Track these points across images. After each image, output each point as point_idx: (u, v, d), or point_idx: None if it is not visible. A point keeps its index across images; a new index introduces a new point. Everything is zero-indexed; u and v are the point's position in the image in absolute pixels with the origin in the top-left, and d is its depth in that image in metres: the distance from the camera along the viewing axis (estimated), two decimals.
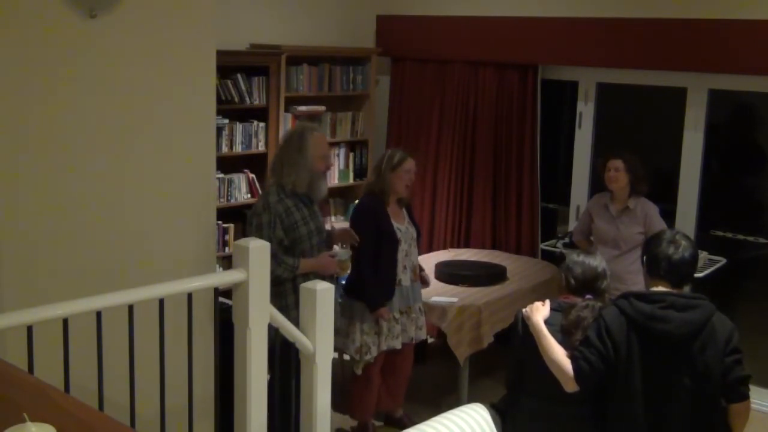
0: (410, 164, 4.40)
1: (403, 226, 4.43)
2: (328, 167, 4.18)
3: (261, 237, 3.81)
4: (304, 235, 3.97)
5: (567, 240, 5.32)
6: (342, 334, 4.36)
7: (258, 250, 2.85)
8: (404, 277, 4.42)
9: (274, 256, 3.82)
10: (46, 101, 3.18)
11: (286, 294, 3.91)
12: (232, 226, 5.42)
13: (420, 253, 4.74)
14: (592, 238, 4.90)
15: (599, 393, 3.09)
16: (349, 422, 4.76)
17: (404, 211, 4.52)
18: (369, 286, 4.33)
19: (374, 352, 4.38)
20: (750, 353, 3.20)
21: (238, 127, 5.36)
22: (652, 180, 4.74)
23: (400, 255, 4.38)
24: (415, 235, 4.50)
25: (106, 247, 3.41)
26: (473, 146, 5.92)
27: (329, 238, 4.27)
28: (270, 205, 3.92)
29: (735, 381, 2.97)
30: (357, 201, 4.78)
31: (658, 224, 4.58)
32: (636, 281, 4.40)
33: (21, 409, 1.57)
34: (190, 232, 3.71)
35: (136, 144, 3.47)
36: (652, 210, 4.64)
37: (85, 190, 3.33)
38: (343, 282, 4.64)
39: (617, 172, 4.64)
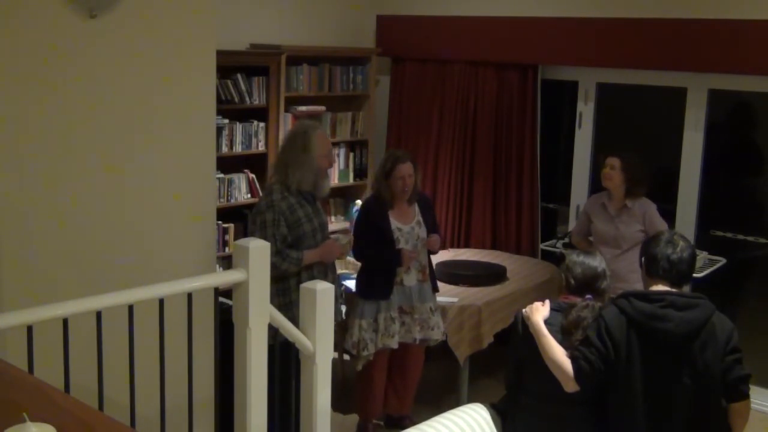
0: (403, 170, 4.34)
1: (407, 227, 4.42)
2: (330, 164, 4.23)
3: (265, 235, 3.84)
4: (308, 232, 3.99)
5: (567, 240, 5.32)
6: (339, 331, 4.36)
7: (258, 250, 2.85)
8: (407, 278, 4.41)
9: (278, 253, 3.86)
10: (46, 101, 3.18)
11: (290, 291, 3.92)
12: (232, 226, 5.42)
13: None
14: (591, 238, 4.89)
15: (599, 393, 3.09)
16: (349, 422, 4.76)
17: (416, 209, 4.49)
18: (374, 267, 4.38)
19: (371, 348, 4.38)
20: (750, 353, 3.21)
21: (238, 127, 5.36)
22: (652, 180, 4.72)
23: None
24: (423, 235, 4.46)
25: (106, 247, 3.41)
26: (473, 146, 5.92)
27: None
28: (273, 203, 3.93)
29: (735, 380, 2.97)
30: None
31: (658, 222, 4.58)
32: (639, 279, 4.39)
33: (21, 409, 1.57)
34: (190, 231, 3.71)
35: (136, 144, 3.47)
36: (651, 208, 4.63)
37: (85, 190, 3.34)
38: (344, 282, 4.66)
39: (612, 170, 4.62)
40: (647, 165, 4.72)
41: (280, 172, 4.03)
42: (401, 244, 4.37)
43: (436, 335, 4.51)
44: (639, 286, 4.14)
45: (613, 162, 4.63)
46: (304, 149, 3.99)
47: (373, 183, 4.59)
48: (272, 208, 3.92)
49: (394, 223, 4.38)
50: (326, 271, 4.11)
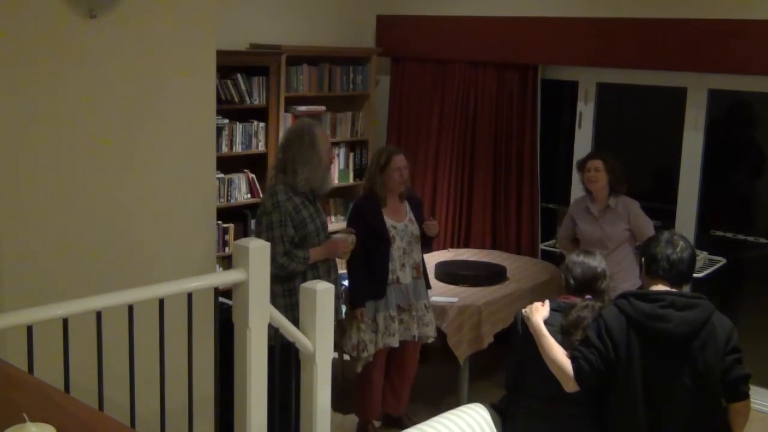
0: (398, 161, 4.37)
1: (401, 224, 4.43)
2: (332, 161, 4.30)
3: (272, 236, 3.85)
4: (312, 232, 4.00)
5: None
6: (339, 331, 4.36)
7: (258, 250, 2.85)
8: (402, 275, 4.42)
9: (286, 254, 3.87)
10: (46, 101, 3.18)
11: (295, 292, 3.90)
12: (232, 226, 5.42)
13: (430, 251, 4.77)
14: (578, 237, 4.90)
15: (599, 393, 3.09)
16: (349, 422, 4.76)
17: (407, 206, 4.51)
18: (353, 283, 4.38)
19: (371, 349, 4.39)
20: (750, 353, 3.21)
21: (238, 127, 5.36)
22: (652, 180, 4.75)
23: (398, 253, 4.39)
24: (416, 231, 4.49)
25: (106, 247, 3.41)
26: (473, 146, 5.92)
27: None
28: (279, 204, 3.93)
29: (735, 380, 2.97)
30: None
31: (642, 219, 4.64)
32: (626, 278, 4.42)
33: (21, 409, 1.57)
34: (190, 232, 3.71)
35: (136, 144, 3.47)
36: (634, 205, 4.68)
37: (85, 190, 3.34)
38: (344, 281, 4.66)
39: (597, 172, 4.68)
40: (648, 165, 4.75)
41: (285, 172, 4.02)
42: (396, 242, 4.39)
43: (430, 332, 4.54)
44: (627, 284, 4.17)
45: (597, 164, 4.70)
46: (312, 146, 4.00)
47: (365, 182, 4.57)
48: (278, 209, 3.93)
49: (389, 221, 4.39)
50: (329, 270, 4.12)
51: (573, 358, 3.04)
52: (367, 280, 4.34)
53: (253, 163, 5.51)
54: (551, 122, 5.82)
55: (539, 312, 3.20)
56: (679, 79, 5.14)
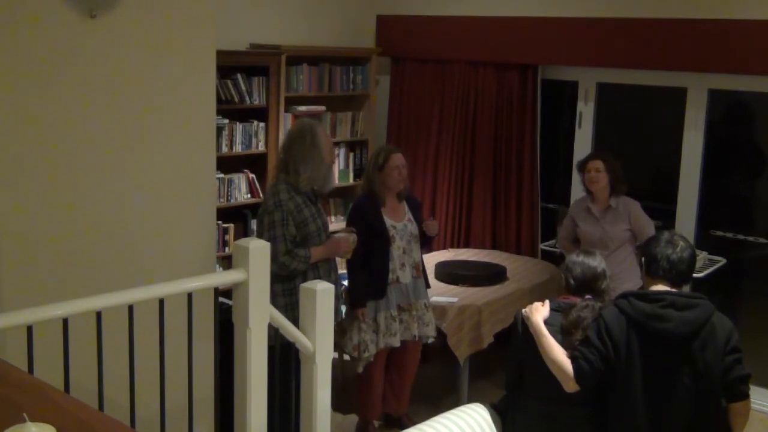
0: (396, 160, 4.38)
1: (400, 224, 4.43)
2: (333, 160, 4.31)
3: (274, 234, 3.86)
4: (313, 232, 4.00)
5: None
6: (339, 332, 4.37)
7: (258, 250, 2.85)
8: (402, 275, 4.42)
9: (288, 252, 3.87)
10: (46, 101, 3.18)
11: (296, 291, 3.90)
12: (232, 226, 5.42)
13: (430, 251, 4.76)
14: (579, 237, 4.91)
15: (599, 393, 3.09)
16: (349, 422, 4.76)
17: (405, 206, 4.52)
18: (353, 283, 4.38)
19: (372, 349, 4.39)
20: (750, 353, 3.21)
21: (238, 127, 5.36)
22: (652, 180, 4.74)
23: (397, 252, 4.39)
24: (416, 231, 4.49)
25: (106, 247, 3.41)
26: (473, 146, 5.93)
27: None
28: (282, 203, 3.93)
29: (735, 380, 2.97)
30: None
31: (643, 219, 4.64)
32: (626, 278, 4.42)
33: (21, 409, 1.57)
34: (190, 232, 3.71)
35: (136, 144, 3.47)
36: (635, 206, 4.69)
37: (85, 190, 3.34)
38: (344, 282, 4.66)
39: (597, 173, 4.69)
40: (648, 165, 4.75)
41: (288, 172, 4.02)
42: (396, 242, 4.39)
43: (430, 331, 4.54)
44: (628, 285, 4.17)
45: (597, 165, 4.71)
46: (314, 145, 4.00)
47: (363, 181, 4.58)
48: (280, 208, 3.93)
49: (388, 221, 4.39)
50: (330, 271, 4.12)
51: (573, 358, 3.04)
52: (367, 280, 4.34)
53: (253, 163, 5.51)
54: (551, 122, 5.82)
55: (539, 312, 3.20)
56: (679, 79, 5.14)
